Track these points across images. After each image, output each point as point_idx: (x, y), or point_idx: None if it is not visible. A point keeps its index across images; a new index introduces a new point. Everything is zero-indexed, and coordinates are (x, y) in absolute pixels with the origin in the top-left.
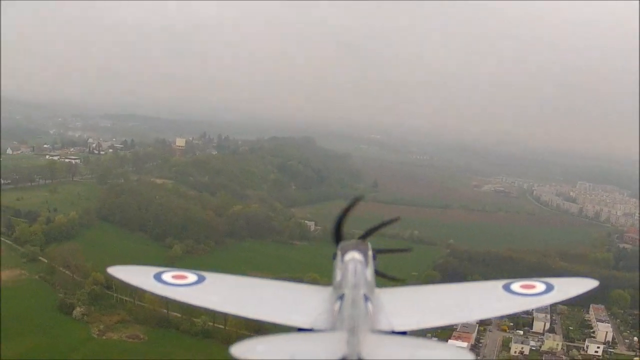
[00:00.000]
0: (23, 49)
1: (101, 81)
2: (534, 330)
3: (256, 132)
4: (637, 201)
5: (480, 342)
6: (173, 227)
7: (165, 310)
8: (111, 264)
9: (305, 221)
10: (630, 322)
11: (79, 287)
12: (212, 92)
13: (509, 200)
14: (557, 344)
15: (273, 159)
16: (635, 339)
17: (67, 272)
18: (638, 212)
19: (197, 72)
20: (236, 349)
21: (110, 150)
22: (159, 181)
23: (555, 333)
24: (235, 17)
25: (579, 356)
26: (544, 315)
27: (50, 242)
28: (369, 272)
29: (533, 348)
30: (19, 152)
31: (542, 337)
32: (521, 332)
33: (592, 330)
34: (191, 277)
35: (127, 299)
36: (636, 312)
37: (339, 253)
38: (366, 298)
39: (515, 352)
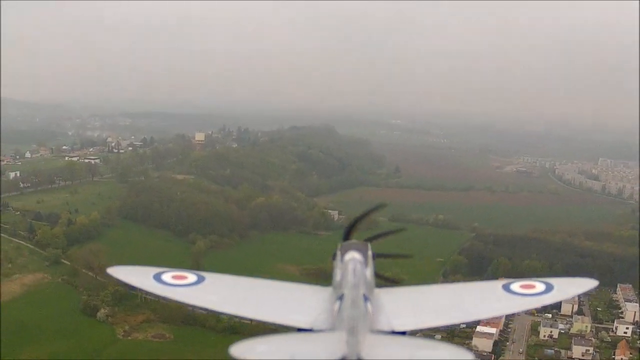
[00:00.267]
0: (39, 52)
1: (118, 80)
2: (562, 312)
3: (276, 123)
4: None
5: (509, 327)
6: (196, 223)
7: (190, 308)
8: (135, 263)
9: (329, 210)
10: None
11: (102, 288)
12: (230, 86)
13: (532, 180)
14: (586, 326)
15: (293, 149)
16: None
17: (90, 273)
18: None
19: (214, 67)
20: (236, 349)
21: (130, 148)
22: (179, 177)
23: (584, 315)
24: (253, 11)
25: (608, 338)
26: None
27: (73, 244)
28: (369, 272)
29: (562, 331)
30: (38, 155)
31: (570, 319)
32: (549, 315)
33: (620, 311)
34: (191, 277)
35: (152, 298)
36: None
37: (338, 253)
38: (366, 298)
39: (544, 336)
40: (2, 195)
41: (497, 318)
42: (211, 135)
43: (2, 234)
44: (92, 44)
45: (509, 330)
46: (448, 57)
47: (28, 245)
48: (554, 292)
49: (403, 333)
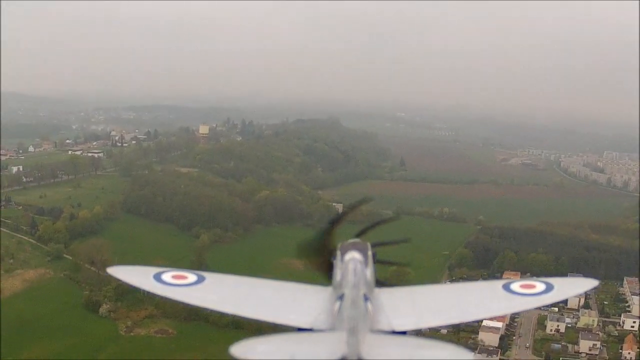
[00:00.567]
0: (44, 45)
1: (123, 74)
2: (568, 306)
3: (280, 116)
4: None
5: (515, 321)
6: (200, 216)
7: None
8: (138, 257)
9: (334, 203)
10: None
11: (105, 283)
12: (235, 79)
13: (537, 173)
14: (593, 320)
15: (298, 142)
16: None
17: (92, 268)
18: None
19: (218, 61)
20: (236, 349)
21: (134, 141)
22: (183, 170)
23: (591, 309)
24: (258, 9)
25: (615, 332)
26: None
27: (75, 239)
28: (369, 272)
29: (569, 325)
30: (41, 148)
31: (577, 313)
32: (556, 309)
33: (627, 304)
34: (191, 277)
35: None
36: None
37: (338, 253)
38: (366, 298)
39: (551, 330)
40: (4, 190)
41: None
42: (215, 128)
43: (3, 229)
44: (96, 38)
45: (515, 324)
46: (453, 53)
47: (30, 240)
48: (554, 292)
49: (403, 333)
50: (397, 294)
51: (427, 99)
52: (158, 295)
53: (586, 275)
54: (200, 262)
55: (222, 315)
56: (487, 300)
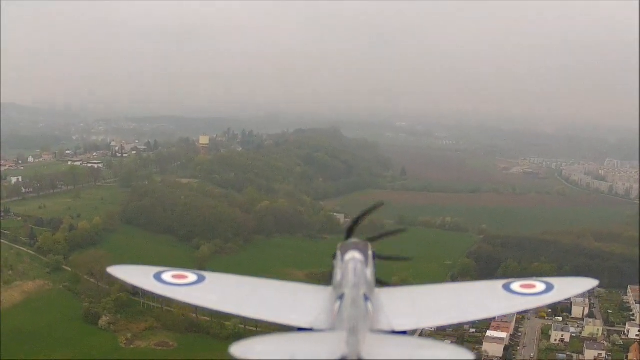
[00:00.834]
0: (44, 57)
1: (123, 85)
2: (572, 316)
3: (281, 126)
4: None
5: (519, 331)
6: (200, 227)
7: (194, 315)
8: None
9: (335, 214)
10: None
11: (104, 295)
12: (234, 89)
13: (538, 181)
14: (598, 329)
15: (299, 152)
16: None
17: (92, 280)
18: None
19: (218, 70)
20: (236, 349)
21: (134, 152)
22: (184, 181)
23: (595, 318)
24: (255, 15)
25: (620, 341)
26: (582, 299)
27: (74, 250)
28: (369, 272)
29: (573, 335)
30: (41, 159)
31: (581, 322)
32: (560, 319)
33: (631, 313)
34: (191, 277)
35: (154, 305)
36: None
37: (339, 253)
38: (366, 298)
39: (555, 340)
40: (3, 201)
41: (506, 322)
42: (216, 138)
43: (2, 240)
44: (96, 48)
45: (520, 334)
46: (451, 58)
47: (29, 251)
48: (554, 291)
49: (403, 333)
50: (397, 294)
51: (427, 104)
52: (158, 295)
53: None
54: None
55: (223, 327)
56: (488, 300)
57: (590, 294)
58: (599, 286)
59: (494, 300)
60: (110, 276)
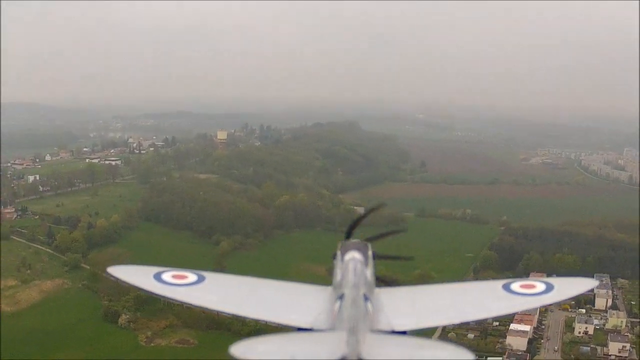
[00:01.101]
0: (62, 55)
1: (141, 82)
2: (596, 307)
3: (299, 120)
4: None
5: (543, 324)
6: (219, 223)
7: (215, 313)
8: (157, 266)
9: (354, 207)
10: None
11: (124, 293)
12: (252, 84)
13: (558, 171)
14: (621, 321)
15: (318, 146)
16: None
17: (111, 278)
18: None
19: (235, 66)
20: (236, 349)
21: (151, 148)
22: (202, 176)
23: (619, 309)
24: (273, 10)
25: None
26: (605, 291)
27: (93, 248)
28: (369, 272)
29: (597, 327)
30: (58, 157)
31: (605, 314)
32: (584, 311)
33: None
34: (191, 276)
35: (174, 302)
36: None
37: (339, 253)
38: (366, 298)
39: (579, 332)
40: (21, 200)
41: (530, 315)
42: (234, 133)
43: (20, 239)
44: (114, 46)
45: (543, 327)
46: (470, 52)
47: (47, 250)
48: (554, 292)
49: (403, 333)
50: (397, 294)
51: (446, 97)
52: (158, 295)
53: (613, 275)
54: (220, 270)
55: (244, 323)
56: (487, 300)
57: (613, 285)
58: (622, 277)
59: (493, 300)
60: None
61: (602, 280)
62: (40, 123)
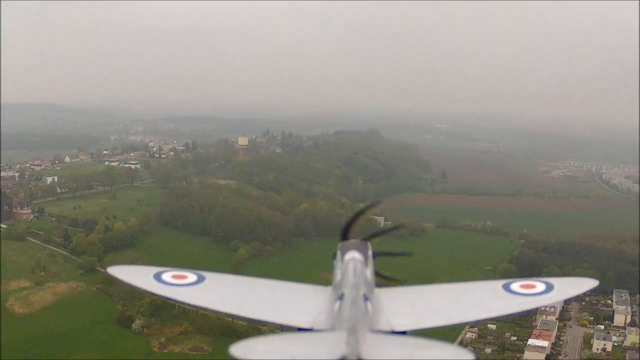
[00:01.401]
0: (84, 58)
1: (163, 86)
2: (614, 324)
3: (320, 127)
4: None
5: (561, 340)
6: (238, 230)
7: (230, 319)
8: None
9: (375, 216)
10: None
11: (138, 297)
12: (274, 90)
13: (579, 184)
14: None
15: (339, 154)
16: None
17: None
18: None
19: (257, 71)
20: (236, 349)
21: (172, 153)
22: (222, 182)
23: (638, 326)
24: (292, 16)
25: None
26: (624, 307)
27: (109, 251)
28: (369, 272)
29: (615, 344)
30: (78, 159)
31: (623, 331)
32: (602, 327)
33: None
34: (191, 277)
35: (190, 308)
36: None
37: (338, 253)
38: (366, 298)
39: (597, 349)
40: (38, 201)
41: (548, 330)
42: (255, 140)
43: (36, 241)
44: (137, 49)
45: (561, 342)
46: (491, 59)
47: (63, 252)
48: (554, 292)
49: (403, 333)
50: (397, 294)
51: (467, 106)
52: (158, 295)
53: (633, 292)
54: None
55: (260, 331)
56: (488, 301)
57: (632, 302)
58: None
59: (493, 300)
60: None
61: (621, 296)
62: (58, 124)
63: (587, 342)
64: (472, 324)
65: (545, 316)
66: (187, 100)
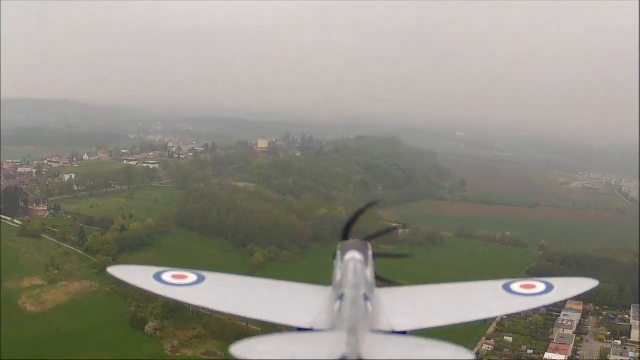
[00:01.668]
0: (106, 55)
1: (183, 86)
2: (631, 339)
3: (341, 132)
4: None
5: (578, 354)
6: (255, 233)
7: (244, 324)
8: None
9: (393, 223)
10: None
11: (152, 299)
12: (295, 93)
13: (598, 197)
14: None
15: (359, 159)
16: None
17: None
18: None
19: (279, 74)
20: (236, 349)
21: (191, 153)
22: (240, 184)
23: None
24: (317, 17)
25: None
26: None
27: (124, 251)
28: (369, 272)
29: (632, 359)
30: (96, 157)
31: None
32: (619, 342)
33: None
34: (191, 277)
35: (204, 312)
36: None
37: (339, 253)
38: (366, 298)
39: None
40: (54, 198)
41: (565, 344)
42: (275, 143)
43: (51, 238)
44: (158, 49)
45: (578, 357)
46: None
47: (77, 250)
48: (554, 292)
49: (403, 333)
50: (397, 294)
51: (486, 115)
52: (158, 295)
53: None
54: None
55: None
56: (488, 300)
57: None
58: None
59: (494, 300)
60: None
61: (639, 312)
62: (78, 122)
63: (603, 358)
64: (507, 351)
65: (562, 330)
66: (207, 101)
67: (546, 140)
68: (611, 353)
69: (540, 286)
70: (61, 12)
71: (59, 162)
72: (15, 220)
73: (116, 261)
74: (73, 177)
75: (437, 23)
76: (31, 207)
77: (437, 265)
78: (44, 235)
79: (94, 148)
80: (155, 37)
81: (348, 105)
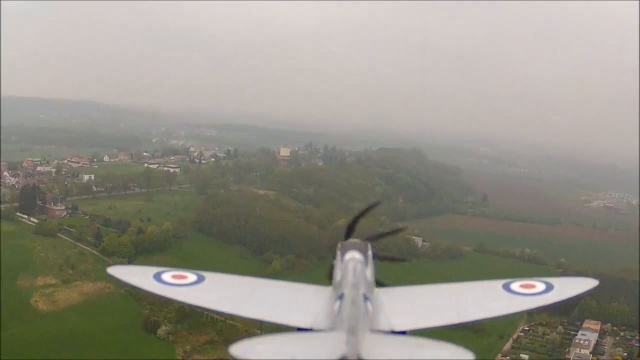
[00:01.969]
0: (134, 58)
1: (209, 92)
2: None
3: (364, 143)
4: None
5: None
6: (273, 241)
7: (258, 331)
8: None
9: (413, 237)
10: None
11: (166, 303)
12: (320, 103)
13: (619, 216)
14: None
15: (381, 171)
16: None
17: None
18: None
19: (305, 84)
20: (236, 349)
21: (212, 159)
22: (261, 192)
23: None
24: (339, 29)
25: None
26: None
27: (140, 254)
28: (369, 272)
29: None
30: (117, 159)
31: None
32: None
33: None
34: (191, 276)
35: (218, 317)
36: None
37: (338, 252)
38: (366, 298)
39: None
40: (72, 198)
41: None
42: (297, 151)
43: (66, 238)
44: (188, 55)
45: None
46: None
47: (93, 251)
48: (554, 291)
49: (403, 333)
50: (397, 294)
51: (510, 132)
52: (158, 295)
53: None
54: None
55: None
56: (488, 300)
57: None
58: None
59: (493, 300)
60: None
61: None
62: (101, 123)
63: None
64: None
65: (579, 349)
66: (232, 107)
67: (569, 159)
68: None
69: (540, 286)
70: (97, 14)
71: (78, 162)
72: (32, 219)
73: (131, 264)
74: (92, 177)
75: (470, 43)
76: (48, 206)
77: (455, 279)
78: (60, 235)
79: (115, 150)
80: (187, 44)
81: (372, 117)
